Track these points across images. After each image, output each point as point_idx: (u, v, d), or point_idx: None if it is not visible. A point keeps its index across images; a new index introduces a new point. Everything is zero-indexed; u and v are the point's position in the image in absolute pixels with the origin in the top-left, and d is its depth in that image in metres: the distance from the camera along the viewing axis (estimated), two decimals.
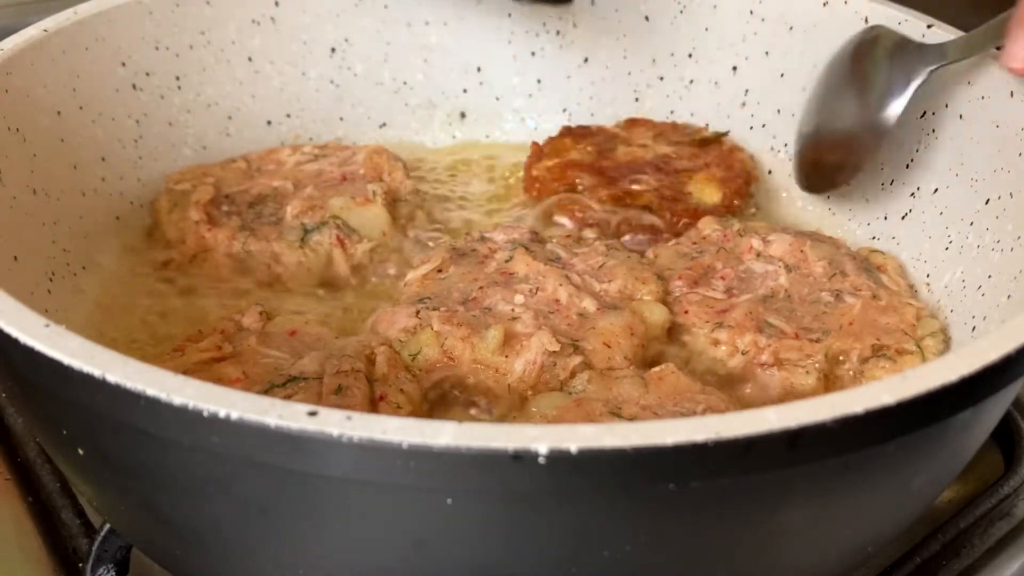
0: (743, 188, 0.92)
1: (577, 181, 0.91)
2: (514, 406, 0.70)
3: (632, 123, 1.01)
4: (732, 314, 0.75)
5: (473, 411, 0.71)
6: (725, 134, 0.98)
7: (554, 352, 0.70)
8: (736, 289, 0.79)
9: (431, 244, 0.88)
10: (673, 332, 0.77)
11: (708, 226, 0.86)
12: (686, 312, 0.76)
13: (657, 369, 0.70)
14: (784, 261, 0.81)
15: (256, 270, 0.84)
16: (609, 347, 0.71)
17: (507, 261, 0.79)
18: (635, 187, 0.90)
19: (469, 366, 0.70)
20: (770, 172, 0.97)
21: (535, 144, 0.97)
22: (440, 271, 0.79)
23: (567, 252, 0.81)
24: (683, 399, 0.67)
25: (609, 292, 0.77)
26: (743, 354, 0.73)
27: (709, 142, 0.97)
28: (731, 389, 0.73)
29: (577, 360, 0.70)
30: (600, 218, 0.88)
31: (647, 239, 0.88)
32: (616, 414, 0.64)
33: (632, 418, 0.64)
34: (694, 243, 0.85)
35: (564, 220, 0.89)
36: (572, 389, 0.68)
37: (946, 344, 0.75)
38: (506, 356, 0.70)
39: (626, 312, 0.74)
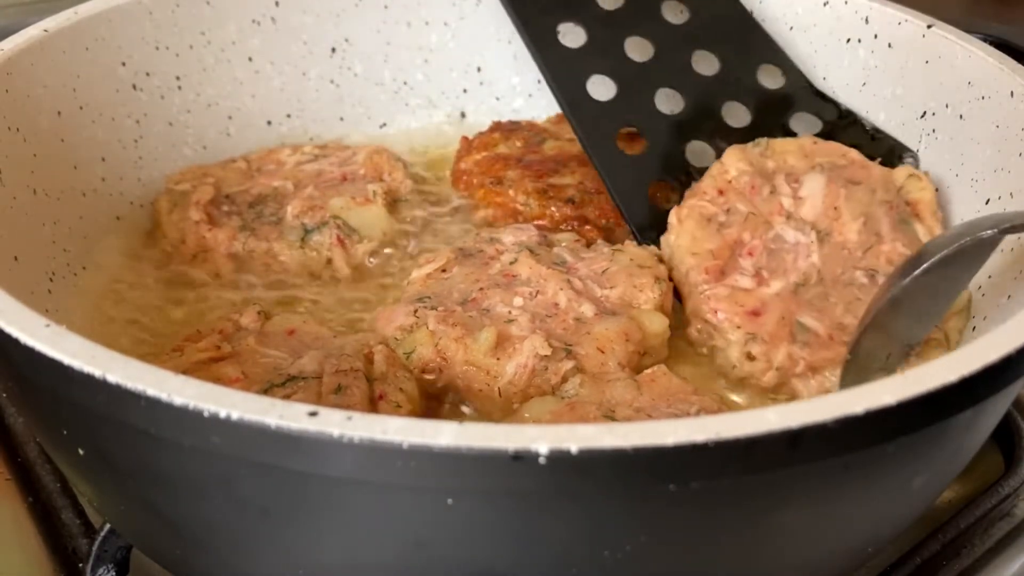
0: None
1: (503, 175, 0.92)
2: (504, 410, 0.70)
3: (562, 118, 1.01)
4: (764, 322, 0.74)
5: (466, 410, 0.71)
6: None
7: (545, 356, 0.70)
8: (766, 270, 0.76)
9: (431, 244, 0.88)
10: (701, 330, 0.76)
11: (732, 162, 0.82)
12: (715, 312, 0.75)
13: (649, 371, 0.70)
14: (817, 227, 0.78)
15: (256, 270, 0.84)
16: (603, 352, 0.71)
17: (511, 263, 0.79)
18: (559, 181, 0.91)
19: (461, 367, 0.70)
20: None
21: (464, 138, 0.99)
22: (444, 271, 0.79)
23: (573, 256, 0.81)
24: (676, 400, 0.67)
25: (610, 298, 0.77)
26: (777, 370, 0.72)
27: (635, 136, 0.98)
28: (766, 396, 0.74)
29: (569, 365, 0.70)
30: (525, 211, 0.89)
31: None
32: (610, 417, 0.64)
33: (626, 420, 0.64)
34: (719, 191, 0.81)
35: (489, 212, 0.91)
36: (564, 393, 0.68)
37: (967, 317, 0.75)
38: (497, 359, 0.70)
39: (623, 318, 0.74)
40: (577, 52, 0.90)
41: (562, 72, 0.89)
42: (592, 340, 0.72)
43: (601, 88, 0.89)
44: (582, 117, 0.87)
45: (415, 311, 0.73)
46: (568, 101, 0.88)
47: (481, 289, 0.76)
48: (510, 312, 0.74)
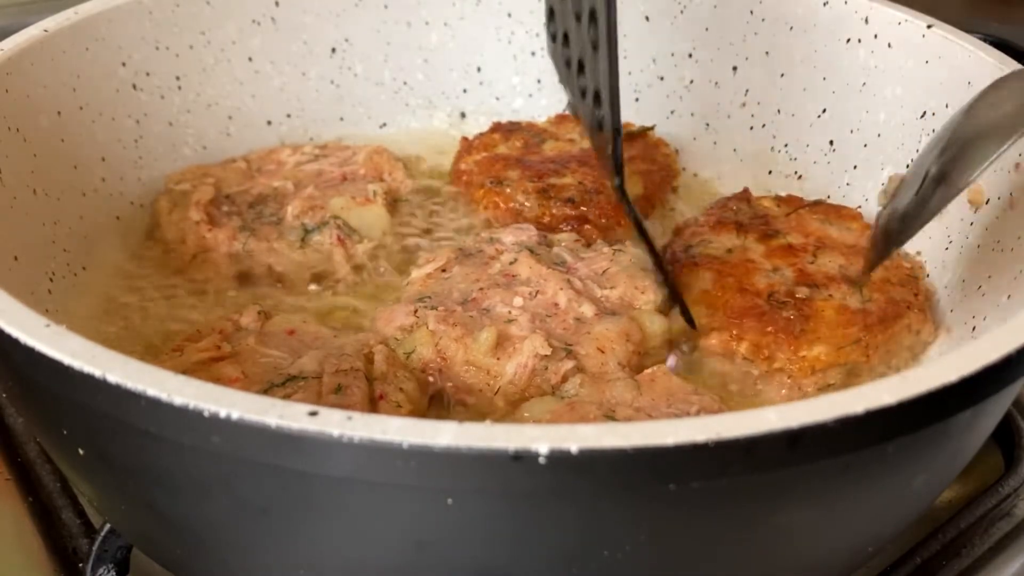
0: (665, 181, 0.94)
1: (503, 175, 0.92)
2: (504, 409, 0.70)
3: (562, 119, 1.02)
4: None
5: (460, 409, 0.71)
6: (651, 128, 0.99)
7: (546, 356, 0.70)
8: None
9: (431, 244, 0.88)
10: None
11: None
12: None
13: (649, 371, 0.70)
14: None
15: (256, 270, 0.84)
16: (603, 352, 0.71)
17: (511, 263, 0.79)
18: (559, 181, 0.91)
19: (461, 367, 0.70)
20: (770, 172, 0.97)
21: (464, 138, 0.99)
22: (444, 270, 0.79)
23: (573, 256, 0.81)
24: (676, 400, 0.67)
25: (610, 298, 0.77)
26: None
27: (635, 136, 0.98)
28: None
29: (569, 364, 0.70)
30: (525, 210, 0.89)
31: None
32: (610, 416, 0.64)
33: (626, 420, 0.64)
34: None
35: (488, 213, 0.91)
36: (564, 393, 0.68)
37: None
38: (498, 358, 0.70)
39: (623, 319, 0.74)
40: None
41: None
42: (592, 340, 0.72)
43: None
44: None
45: (415, 311, 0.73)
46: None
47: (481, 289, 0.76)
48: (510, 312, 0.74)
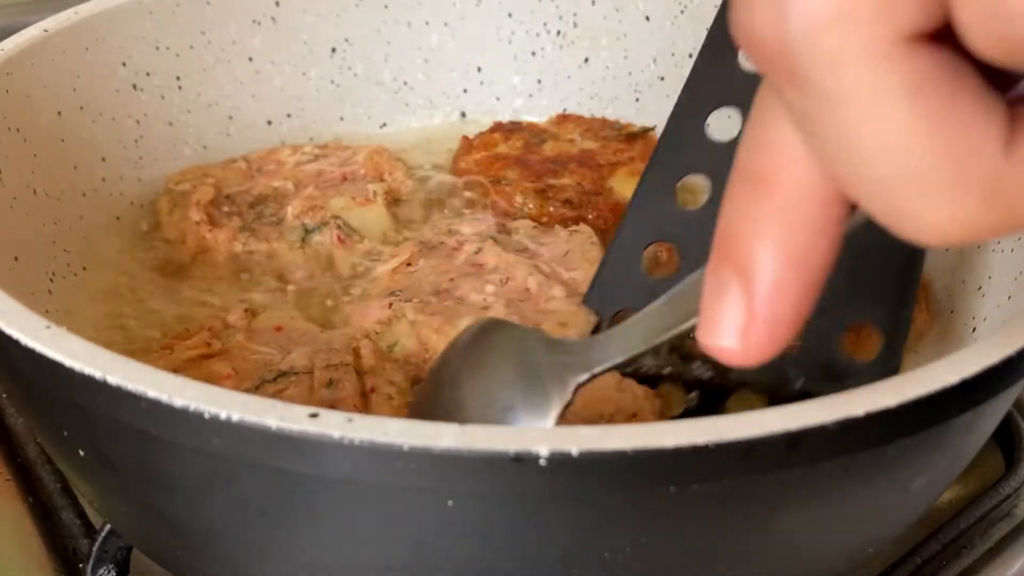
0: None
1: (501, 174, 0.93)
2: None
3: (563, 118, 1.02)
4: None
5: None
6: (651, 129, 0.99)
7: None
8: None
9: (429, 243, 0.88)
10: None
11: None
12: None
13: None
14: None
15: (257, 270, 0.84)
16: (565, 326, 0.72)
17: (476, 253, 0.79)
18: (557, 181, 0.92)
19: None
20: None
21: (465, 138, 0.99)
22: (409, 264, 0.79)
23: (534, 242, 0.82)
24: None
25: (577, 280, 0.78)
26: None
27: (636, 136, 0.98)
28: None
29: None
30: (522, 211, 0.89)
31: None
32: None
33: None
34: None
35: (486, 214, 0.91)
36: None
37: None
38: None
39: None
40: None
41: None
42: (553, 315, 0.73)
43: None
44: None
45: (390, 304, 0.74)
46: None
47: (451, 280, 0.77)
48: (484, 299, 0.74)
